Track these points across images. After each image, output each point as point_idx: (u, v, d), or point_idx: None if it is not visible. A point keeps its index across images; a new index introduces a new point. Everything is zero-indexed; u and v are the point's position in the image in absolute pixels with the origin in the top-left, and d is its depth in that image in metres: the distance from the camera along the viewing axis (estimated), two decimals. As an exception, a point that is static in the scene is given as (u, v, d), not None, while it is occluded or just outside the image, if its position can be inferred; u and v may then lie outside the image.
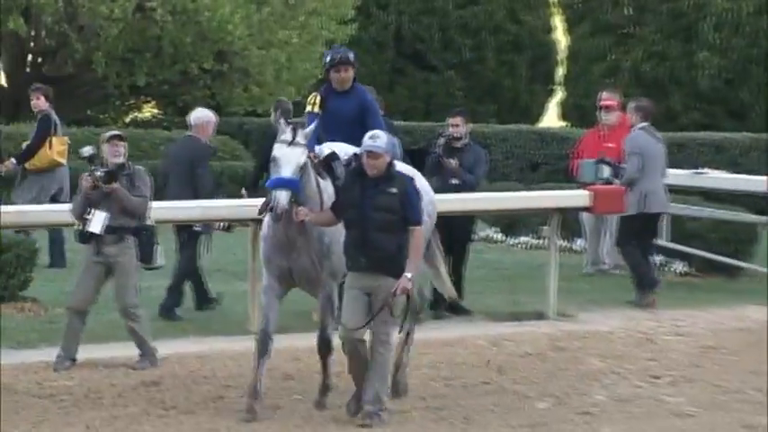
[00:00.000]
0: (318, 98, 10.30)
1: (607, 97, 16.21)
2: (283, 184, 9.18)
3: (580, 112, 31.57)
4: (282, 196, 9.13)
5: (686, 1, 31.39)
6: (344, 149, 9.97)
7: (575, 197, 14.19)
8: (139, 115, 32.61)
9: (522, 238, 19.18)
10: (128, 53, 26.48)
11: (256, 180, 16.13)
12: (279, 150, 9.27)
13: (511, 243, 19.28)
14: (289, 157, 9.22)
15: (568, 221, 16.27)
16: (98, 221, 11.03)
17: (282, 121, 9.62)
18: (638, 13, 32.86)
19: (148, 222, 11.24)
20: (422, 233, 9.36)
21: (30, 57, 28.49)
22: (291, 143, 9.25)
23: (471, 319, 13.67)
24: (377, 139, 9.23)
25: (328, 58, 10.51)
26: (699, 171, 17.87)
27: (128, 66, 26.81)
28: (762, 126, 28.80)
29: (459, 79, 33.96)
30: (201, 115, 14.06)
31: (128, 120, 31.44)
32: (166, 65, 26.69)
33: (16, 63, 28.25)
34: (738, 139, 26.42)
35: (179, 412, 9.83)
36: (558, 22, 36.08)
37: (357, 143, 9.59)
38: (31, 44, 28.07)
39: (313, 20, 27.55)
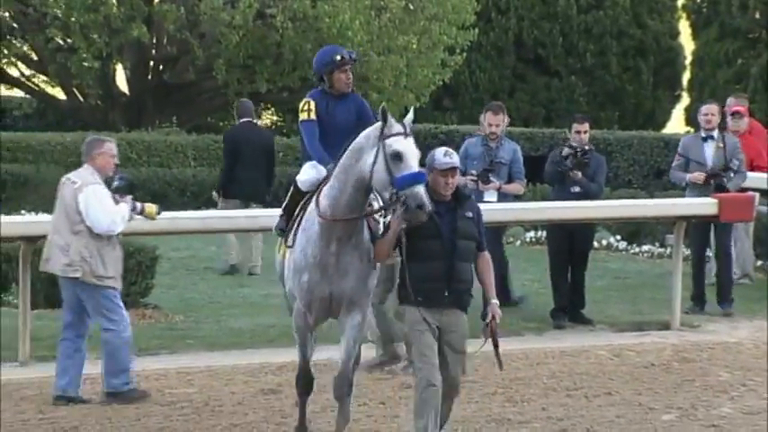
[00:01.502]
0: (313, 104, 9.16)
1: (735, 103, 15.98)
2: (422, 178, 8.04)
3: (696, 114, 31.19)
4: (424, 192, 7.96)
5: (816, 4, 30.89)
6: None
7: (701, 205, 14.01)
8: (258, 122, 32.87)
9: (646, 247, 18.99)
10: (248, 60, 26.78)
11: (226, 183, 16.28)
12: (400, 144, 8.05)
13: (633, 251, 19.10)
14: (413, 149, 8.08)
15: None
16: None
17: (390, 116, 8.22)
18: (767, 18, 32.41)
19: None
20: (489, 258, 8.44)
21: (152, 64, 28.88)
22: (407, 135, 8.11)
23: (593, 328, 13.57)
24: (452, 154, 8.23)
25: (337, 57, 9.25)
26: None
27: (248, 73, 27.10)
28: None
29: (582, 85, 33.81)
30: None
31: (248, 126, 31.66)
32: (286, 71, 26.93)
33: (139, 70, 28.63)
34: None
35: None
36: (683, 27, 35.75)
37: None
38: (153, 51, 28.48)
39: (433, 25, 27.56)
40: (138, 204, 10.47)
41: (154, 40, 27.69)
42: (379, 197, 8.27)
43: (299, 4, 25.56)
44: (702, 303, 14.37)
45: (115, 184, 10.50)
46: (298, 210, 8.71)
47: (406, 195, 7.86)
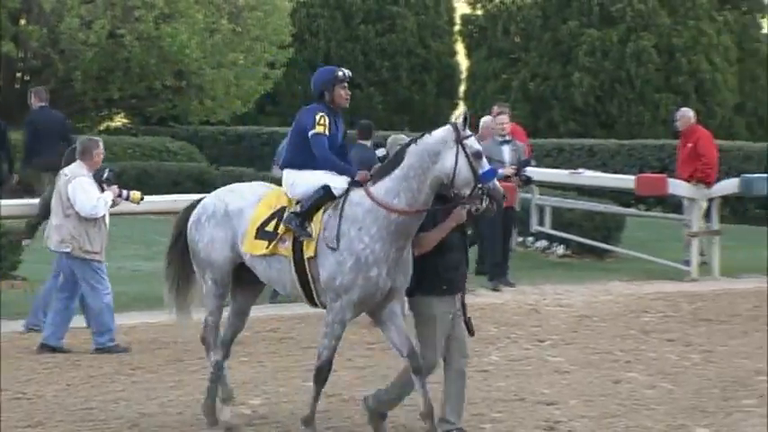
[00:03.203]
0: (327, 120, 8.02)
1: (498, 110, 16.21)
2: (496, 174, 7.58)
3: (478, 122, 31.63)
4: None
5: (564, 30, 31.58)
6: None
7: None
8: (111, 124, 32.40)
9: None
10: (102, 72, 26.32)
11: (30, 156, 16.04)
12: (477, 144, 7.45)
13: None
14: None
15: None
16: None
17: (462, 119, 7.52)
18: (525, 41, 33.04)
19: None
20: None
21: (19, 75, 28.23)
22: (474, 136, 7.53)
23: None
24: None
25: (339, 73, 8.13)
26: (575, 171, 17.95)
27: (102, 83, 26.64)
28: (626, 134, 29.05)
29: (379, 95, 34.03)
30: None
31: (102, 128, 31.22)
32: (134, 82, 26.60)
33: (7, 81, 27.99)
34: (607, 145, 26.61)
35: (145, 372, 9.75)
36: (459, 48, 36.21)
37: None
38: (20, 65, 27.79)
39: (257, 45, 27.50)
40: (125, 192, 10.68)
41: (21, 55, 26.98)
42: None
43: (144, 26, 25.19)
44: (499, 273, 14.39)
45: (105, 176, 10.62)
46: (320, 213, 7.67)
47: (490, 189, 7.36)
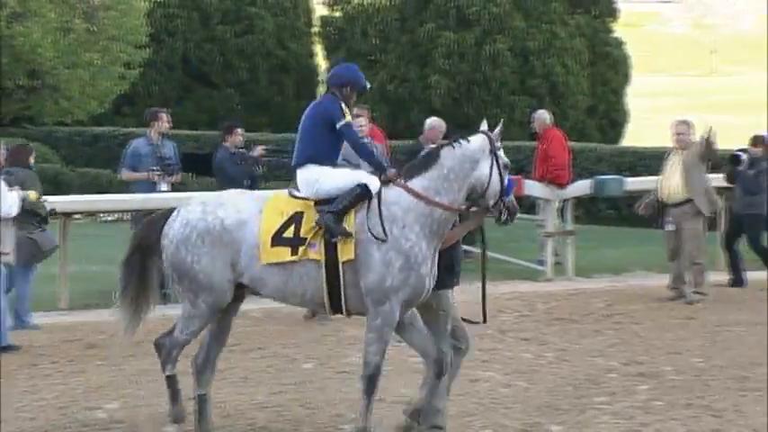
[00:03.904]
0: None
1: (357, 112, 16.24)
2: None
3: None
4: None
5: (421, 33, 31.84)
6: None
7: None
8: None
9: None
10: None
11: None
12: (505, 156, 7.63)
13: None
14: None
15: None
16: None
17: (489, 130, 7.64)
18: (383, 43, 33.22)
19: None
20: None
21: None
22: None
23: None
24: None
25: (365, 85, 7.92)
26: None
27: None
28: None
29: (238, 96, 33.87)
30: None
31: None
32: (-11, 78, 26.02)
33: None
34: (464, 146, 26.88)
35: None
36: (318, 49, 36.23)
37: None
38: None
39: (113, 45, 27.14)
40: (23, 192, 10.68)
41: None
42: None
43: (-5, 25, 24.69)
44: None
45: (3, 177, 10.53)
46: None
47: (511, 201, 7.61)
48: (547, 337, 11.37)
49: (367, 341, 7.46)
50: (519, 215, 7.83)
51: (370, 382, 7.46)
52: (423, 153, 7.99)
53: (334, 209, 7.35)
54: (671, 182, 13.28)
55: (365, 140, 7.92)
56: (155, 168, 13.26)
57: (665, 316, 12.33)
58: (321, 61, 36.11)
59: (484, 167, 7.49)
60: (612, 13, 33.92)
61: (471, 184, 7.50)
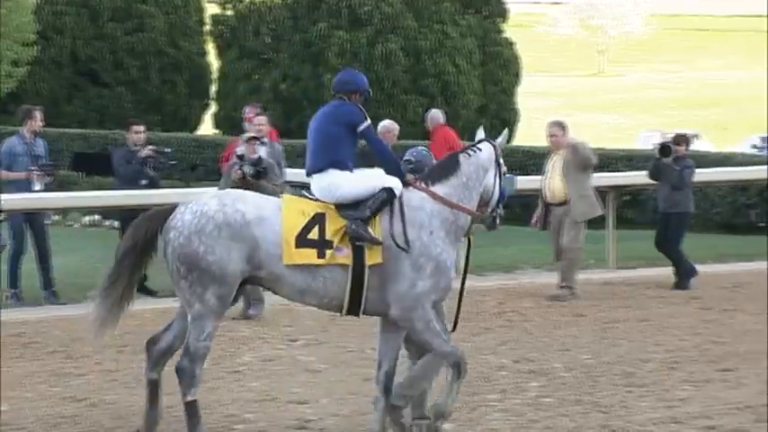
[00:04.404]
0: None
1: (250, 111, 16.19)
2: None
3: (230, 122, 31.59)
4: None
5: (314, 32, 31.82)
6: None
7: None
8: None
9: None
10: None
11: None
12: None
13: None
14: None
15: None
16: None
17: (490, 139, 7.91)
18: (276, 42, 33.13)
19: None
20: None
21: None
22: None
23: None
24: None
25: (369, 92, 8.01)
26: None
27: None
28: (376, 135, 29.48)
29: (129, 94, 33.51)
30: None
31: None
32: None
33: None
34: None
35: None
36: (210, 48, 36.01)
37: None
38: None
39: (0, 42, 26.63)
40: None
41: None
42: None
43: None
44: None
45: None
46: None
47: (500, 209, 7.95)
48: (439, 335, 11.42)
49: (426, 344, 7.57)
50: None
51: (457, 368, 7.57)
52: (441, 160, 8.10)
53: (362, 215, 7.38)
54: (552, 183, 13.42)
55: (386, 144, 8.00)
56: (33, 168, 13.06)
57: (555, 313, 12.47)
58: (213, 60, 35.88)
59: (491, 176, 7.82)
60: (503, 14, 34.27)
61: (482, 189, 7.80)
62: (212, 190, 14.86)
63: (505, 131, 8.10)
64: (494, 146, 7.84)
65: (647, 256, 15.82)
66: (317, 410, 8.51)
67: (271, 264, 7.33)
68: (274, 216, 7.35)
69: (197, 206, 7.42)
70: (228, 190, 8.01)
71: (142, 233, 7.54)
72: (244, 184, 11.28)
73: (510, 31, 35.47)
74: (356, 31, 31.33)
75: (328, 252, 7.31)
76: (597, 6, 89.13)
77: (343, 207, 7.43)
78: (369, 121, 7.67)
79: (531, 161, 22.91)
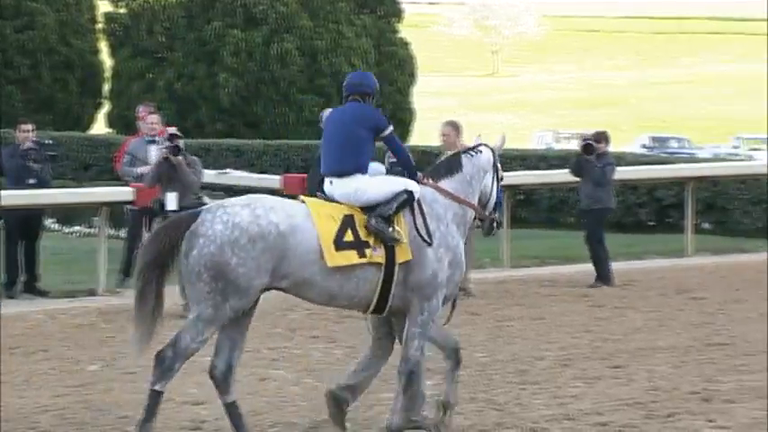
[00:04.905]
0: None
1: (144, 110, 16.05)
2: None
3: (124, 121, 31.27)
4: None
5: (209, 31, 31.66)
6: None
7: (120, 193, 14.03)
8: None
9: (77, 228, 18.79)
10: None
11: None
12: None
13: (66, 231, 18.83)
14: None
15: (116, 213, 16.04)
16: (171, 200, 11.60)
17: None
18: (170, 40, 32.91)
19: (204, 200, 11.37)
20: None
21: None
22: None
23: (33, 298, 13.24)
24: None
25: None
26: (223, 171, 18.05)
27: None
28: (272, 135, 29.47)
29: (19, 93, 32.98)
30: None
31: None
32: None
33: None
34: (254, 144, 26.88)
35: None
36: (103, 46, 35.61)
37: None
38: None
39: None
40: None
41: None
42: None
43: None
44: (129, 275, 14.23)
45: None
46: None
47: (498, 212, 8.16)
48: (336, 334, 11.44)
49: (410, 336, 7.65)
50: None
51: (410, 377, 7.62)
52: (442, 159, 8.35)
53: (384, 214, 7.55)
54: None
55: (406, 149, 8.20)
56: None
57: (450, 312, 12.58)
58: (106, 58, 35.48)
59: (488, 179, 8.04)
60: (397, 14, 34.45)
61: (481, 191, 8.01)
62: (102, 189, 14.77)
63: (503, 136, 8.25)
64: (492, 150, 8.10)
65: (541, 254, 16.02)
66: (213, 411, 8.46)
67: (302, 270, 7.38)
68: (305, 223, 7.41)
69: (227, 215, 7.31)
70: (252, 196, 7.78)
71: (163, 245, 7.37)
72: (168, 163, 12.16)
73: (405, 31, 35.65)
74: (251, 30, 31.22)
75: (368, 251, 7.49)
76: (491, 7, 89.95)
77: (367, 209, 7.60)
78: (391, 125, 7.92)
79: (427, 161, 23.04)
